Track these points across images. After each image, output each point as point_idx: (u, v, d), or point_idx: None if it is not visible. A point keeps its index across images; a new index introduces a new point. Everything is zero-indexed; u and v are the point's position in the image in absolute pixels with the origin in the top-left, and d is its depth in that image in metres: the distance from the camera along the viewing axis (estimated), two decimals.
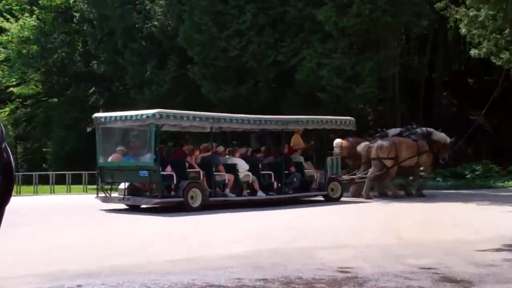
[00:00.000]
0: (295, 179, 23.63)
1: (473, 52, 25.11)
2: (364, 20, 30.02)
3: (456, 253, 11.97)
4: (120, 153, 21.44)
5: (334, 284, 9.29)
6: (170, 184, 20.60)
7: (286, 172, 23.27)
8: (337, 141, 26.97)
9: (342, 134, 27.57)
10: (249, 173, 22.29)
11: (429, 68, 45.72)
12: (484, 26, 23.83)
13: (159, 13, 35.70)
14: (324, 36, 31.18)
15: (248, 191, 22.45)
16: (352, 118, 25.55)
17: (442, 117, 44.23)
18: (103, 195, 21.75)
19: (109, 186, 22.08)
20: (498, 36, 23.33)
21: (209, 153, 21.91)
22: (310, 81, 30.83)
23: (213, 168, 21.34)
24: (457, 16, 26.35)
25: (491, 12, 23.05)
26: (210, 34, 31.92)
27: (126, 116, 21.31)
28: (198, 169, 21.21)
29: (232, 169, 21.98)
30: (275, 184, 23.06)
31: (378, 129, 27.73)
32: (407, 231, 15.18)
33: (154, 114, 20.16)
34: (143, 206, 21.04)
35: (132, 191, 21.09)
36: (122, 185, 21.24)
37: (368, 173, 25.08)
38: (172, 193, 20.67)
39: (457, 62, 51.24)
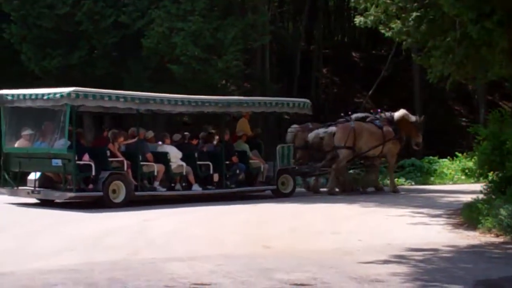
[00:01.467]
0: (238, 171, 24.45)
1: (358, 20, 25.56)
2: None
3: (335, 265, 12.23)
4: (27, 138, 22.10)
5: None
6: (88, 175, 21.30)
7: (228, 162, 24.14)
8: (292, 127, 27.50)
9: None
10: (183, 163, 23.02)
11: (307, 39, 46.57)
12: None
13: None
14: None
15: (184, 184, 23.40)
16: (307, 101, 26.40)
17: (322, 99, 45.22)
18: (10, 187, 22.38)
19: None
20: (388, 1, 23.85)
21: (135, 140, 22.67)
22: (160, 50, 30.69)
23: (140, 157, 22.11)
24: None
25: None
26: None
27: (37, 95, 21.60)
28: (122, 158, 21.92)
29: (162, 158, 22.73)
30: (215, 176, 23.86)
31: (342, 113, 28.24)
32: (277, 239, 15.43)
33: (69, 94, 20.71)
34: (56, 200, 21.41)
35: (44, 182, 21.80)
36: (32, 176, 21.90)
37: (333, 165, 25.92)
38: (91, 186, 21.41)
39: (340, 32, 52.47)
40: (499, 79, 28.45)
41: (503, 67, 22.36)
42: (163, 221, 18.41)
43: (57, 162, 21.01)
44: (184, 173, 23.15)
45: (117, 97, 22.48)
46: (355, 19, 26.66)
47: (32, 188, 21.68)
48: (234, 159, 24.30)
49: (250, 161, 24.89)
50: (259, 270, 11.76)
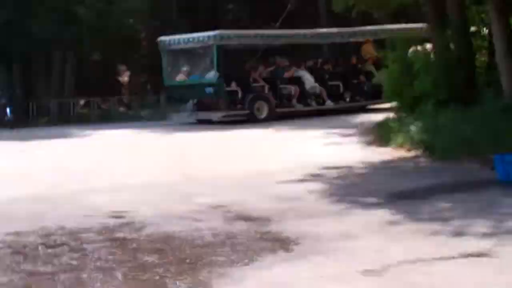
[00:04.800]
0: (365, 88, 28.17)
1: None
2: None
3: (253, 187, 12.22)
4: (185, 73, 26.79)
5: (105, 232, 9.14)
6: (235, 98, 25.99)
7: (355, 81, 28.36)
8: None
9: None
10: (316, 84, 27.27)
11: None
12: None
13: None
14: None
15: (321, 101, 27.57)
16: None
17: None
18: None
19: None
20: None
21: (272, 68, 27.56)
22: None
23: (278, 81, 26.71)
24: None
25: None
26: None
27: (189, 39, 26.73)
28: (263, 83, 26.52)
29: (297, 81, 27.09)
30: (345, 94, 27.95)
31: None
32: (195, 166, 15.35)
33: (215, 36, 25.66)
34: (214, 120, 25.77)
35: (201, 107, 26.76)
36: (190, 103, 27.10)
37: None
38: (239, 106, 26.00)
39: None
40: (402, 7, 28.61)
41: None
42: (87, 155, 18.17)
43: (210, 89, 25.47)
44: (318, 92, 27.27)
45: (255, 36, 27.84)
46: None
47: (192, 112, 26.90)
48: (361, 78, 28.29)
49: (374, 78, 27.47)
50: (178, 196, 11.69)
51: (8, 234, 9.17)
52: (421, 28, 23.98)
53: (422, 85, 18.38)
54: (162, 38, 27.78)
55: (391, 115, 19.70)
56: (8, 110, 28.90)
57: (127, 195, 12.02)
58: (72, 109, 31.57)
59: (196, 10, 42.79)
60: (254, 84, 26.48)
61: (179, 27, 37.42)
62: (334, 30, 29.90)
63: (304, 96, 27.21)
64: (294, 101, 26.92)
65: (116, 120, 29.83)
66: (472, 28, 19.49)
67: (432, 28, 19.52)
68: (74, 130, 25.42)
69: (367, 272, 6.84)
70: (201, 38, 26.24)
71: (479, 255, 7.26)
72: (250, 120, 25.16)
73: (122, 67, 42.48)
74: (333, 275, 6.82)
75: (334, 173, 13.40)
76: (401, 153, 15.62)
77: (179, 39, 27.03)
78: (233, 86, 25.98)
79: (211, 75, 25.52)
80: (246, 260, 7.49)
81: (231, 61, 27.99)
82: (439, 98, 17.90)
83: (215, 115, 25.90)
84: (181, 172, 14.57)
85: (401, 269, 6.91)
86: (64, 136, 23.59)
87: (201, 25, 41.81)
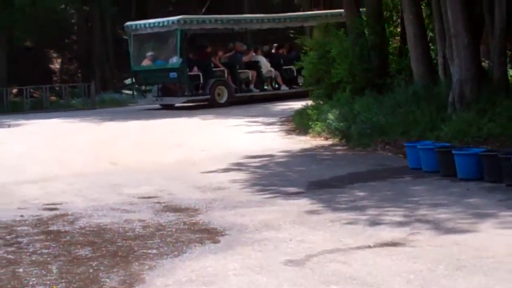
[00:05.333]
0: None
1: None
2: None
3: (180, 177, 12.31)
4: (150, 59, 26.78)
5: (40, 224, 9.13)
6: (198, 83, 26.14)
7: None
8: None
9: None
10: (272, 69, 27.31)
11: None
12: None
13: None
14: None
15: (276, 86, 27.88)
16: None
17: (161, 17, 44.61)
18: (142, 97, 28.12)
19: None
20: None
21: (231, 53, 27.29)
22: None
23: (237, 66, 26.60)
24: None
25: None
26: None
27: (154, 23, 26.76)
28: (222, 68, 26.51)
29: (255, 66, 27.11)
30: (298, 78, 26.76)
31: None
32: (123, 155, 15.30)
33: (178, 20, 25.69)
34: (176, 104, 26.30)
35: (165, 92, 26.79)
36: (155, 88, 27.22)
37: None
38: (200, 91, 26.12)
39: None
40: None
41: None
42: (19, 145, 17.89)
43: (174, 74, 25.52)
44: (273, 77, 27.50)
45: (216, 20, 27.64)
46: None
47: (156, 96, 26.94)
48: None
49: None
50: (108, 186, 11.70)
51: None
52: (340, 14, 24.26)
53: (338, 73, 18.46)
54: (128, 23, 28.20)
55: (309, 102, 19.73)
56: None
57: (59, 185, 11.99)
58: (5, 98, 30.91)
59: None
60: (215, 70, 26.55)
61: (109, 11, 37.11)
62: (290, 14, 30.76)
63: (261, 80, 27.61)
64: (251, 86, 27.25)
65: (48, 109, 29.44)
66: (385, 14, 19.55)
67: (348, 15, 19.58)
68: (5, 119, 24.95)
69: (290, 262, 6.99)
70: (165, 23, 26.35)
71: (394, 244, 7.45)
72: (211, 105, 25.54)
73: (53, 54, 41.89)
74: (259, 266, 6.93)
75: (256, 162, 13.53)
76: (320, 141, 15.81)
77: (144, 24, 27.34)
78: (195, 70, 26.12)
79: (175, 60, 25.76)
80: (176, 252, 7.57)
81: (193, 46, 28.39)
82: (355, 86, 18.06)
83: (178, 100, 26.32)
84: (109, 161, 14.55)
85: (322, 259, 7.07)
86: None
87: (132, 11, 41.72)
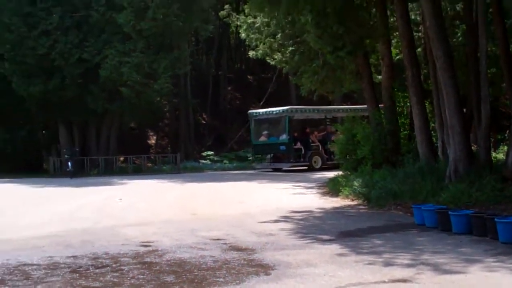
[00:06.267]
0: None
1: (252, 53, 25.72)
2: (159, 24, 29.86)
3: (241, 225, 12.23)
4: (266, 136, 28.84)
5: (137, 257, 9.14)
6: (300, 154, 27.96)
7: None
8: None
9: None
10: None
11: (216, 67, 46.38)
12: (260, 31, 24.47)
13: None
14: (125, 37, 30.55)
15: None
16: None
17: (228, 109, 45.16)
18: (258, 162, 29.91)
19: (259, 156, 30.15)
20: (272, 39, 24.02)
21: (324, 133, 29.25)
22: (112, 77, 30.08)
23: (328, 143, 27.84)
24: (238, 23, 26.93)
25: (266, 20, 23.68)
26: (20, 33, 29.96)
27: (269, 111, 28.75)
28: (317, 144, 28.60)
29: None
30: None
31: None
32: (200, 208, 15.30)
33: (287, 110, 27.97)
34: (284, 168, 27.69)
35: (276, 159, 28.66)
36: (268, 156, 28.94)
37: None
38: (302, 159, 27.97)
39: (239, 61, 52.41)
40: (350, 92, 29.12)
41: (352, 84, 22.78)
42: (123, 198, 18.02)
43: (283, 147, 27.68)
44: None
45: (313, 110, 29.77)
46: (249, 53, 26.82)
47: (269, 162, 28.72)
48: None
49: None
50: (188, 230, 11.66)
51: (67, 257, 9.14)
52: (363, 109, 24.29)
53: (362, 151, 18.49)
54: (251, 111, 30.42)
55: (340, 173, 19.69)
56: (69, 163, 28.72)
57: (152, 229, 11.98)
58: (115, 164, 31.44)
59: (204, 92, 43.08)
60: (312, 144, 28.28)
61: (191, 103, 37.68)
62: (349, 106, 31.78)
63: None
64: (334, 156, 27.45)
65: (145, 173, 29.80)
66: (398, 109, 19.60)
67: (370, 109, 19.61)
68: (115, 179, 25.26)
69: None
70: (277, 111, 28.15)
71: (404, 280, 7.29)
72: (309, 169, 27.14)
73: (150, 133, 42.61)
74: None
75: (299, 216, 13.41)
76: (347, 202, 15.66)
77: (262, 112, 29.18)
78: (298, 145, 27.84)
79: (284, 137, 27.60)
80: (238, 281, 7.49)
81: (296, 127, 29.31)
82: (374, 161, 18.02)
83: (286, 165, 27.66)
84: (190, 212, 14.57)
85: None
86: (108, 183, 23.47)
87: (207, 103, 42.38)
